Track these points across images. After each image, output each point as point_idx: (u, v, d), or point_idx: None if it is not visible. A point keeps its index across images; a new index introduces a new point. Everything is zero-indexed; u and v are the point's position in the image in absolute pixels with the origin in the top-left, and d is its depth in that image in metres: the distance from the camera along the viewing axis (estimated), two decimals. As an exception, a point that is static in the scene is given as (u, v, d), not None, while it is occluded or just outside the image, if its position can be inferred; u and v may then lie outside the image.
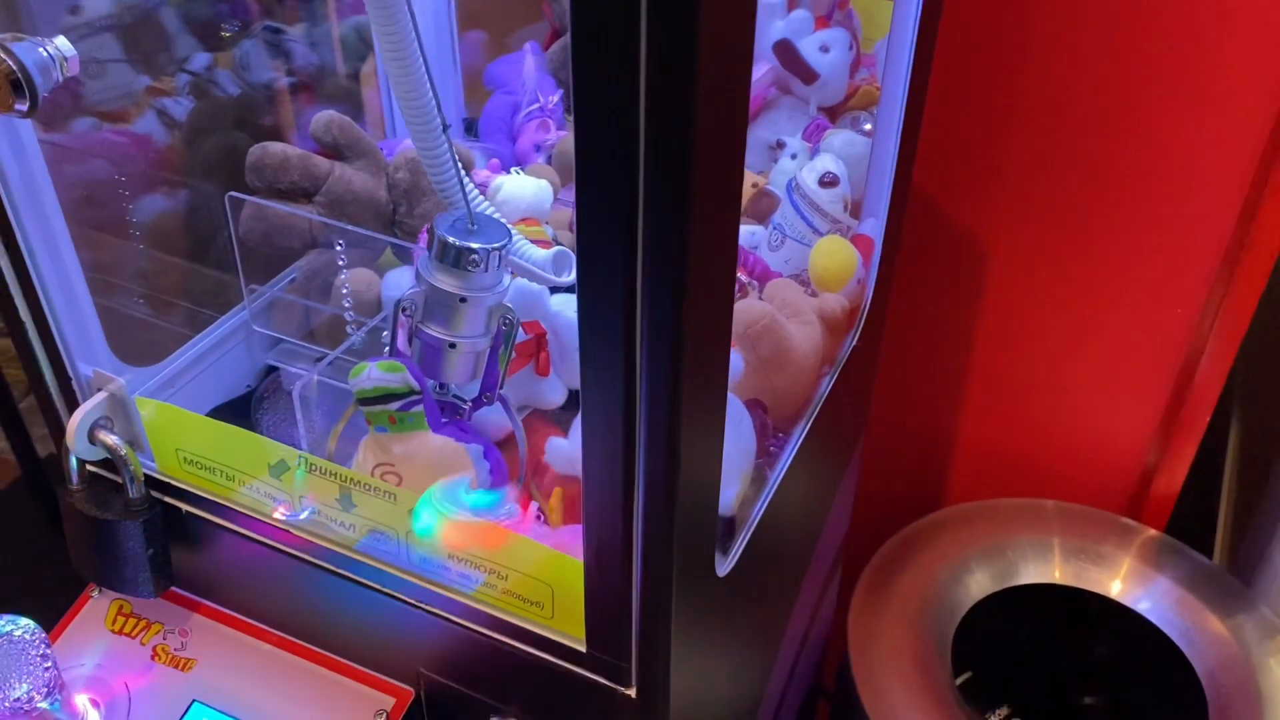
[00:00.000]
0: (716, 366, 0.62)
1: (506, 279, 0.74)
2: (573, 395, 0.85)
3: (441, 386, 0.78)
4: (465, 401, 0.79)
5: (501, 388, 0.77)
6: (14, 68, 0.62)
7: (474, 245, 0.70)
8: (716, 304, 0.58)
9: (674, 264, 0.50)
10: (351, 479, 0.72)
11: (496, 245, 0.71)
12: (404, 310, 0.74)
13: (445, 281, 0.71)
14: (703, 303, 0.55)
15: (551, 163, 1.10)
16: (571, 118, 1.21)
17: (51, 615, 0.85)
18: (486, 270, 0.71)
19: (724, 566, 0.73)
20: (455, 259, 0.70)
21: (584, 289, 0.53)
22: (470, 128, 1.16)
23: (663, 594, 0.63)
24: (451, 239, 0.70)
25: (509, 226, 0.75)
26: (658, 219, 0.49)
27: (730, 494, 0.75)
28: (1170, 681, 1.19)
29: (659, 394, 0.55)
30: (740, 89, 0.53)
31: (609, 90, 0.46)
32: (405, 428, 0.72)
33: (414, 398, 0.72)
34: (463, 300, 0.72)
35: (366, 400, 0.72)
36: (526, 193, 0.97)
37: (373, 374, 0.71)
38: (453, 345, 0.73)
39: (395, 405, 0.72)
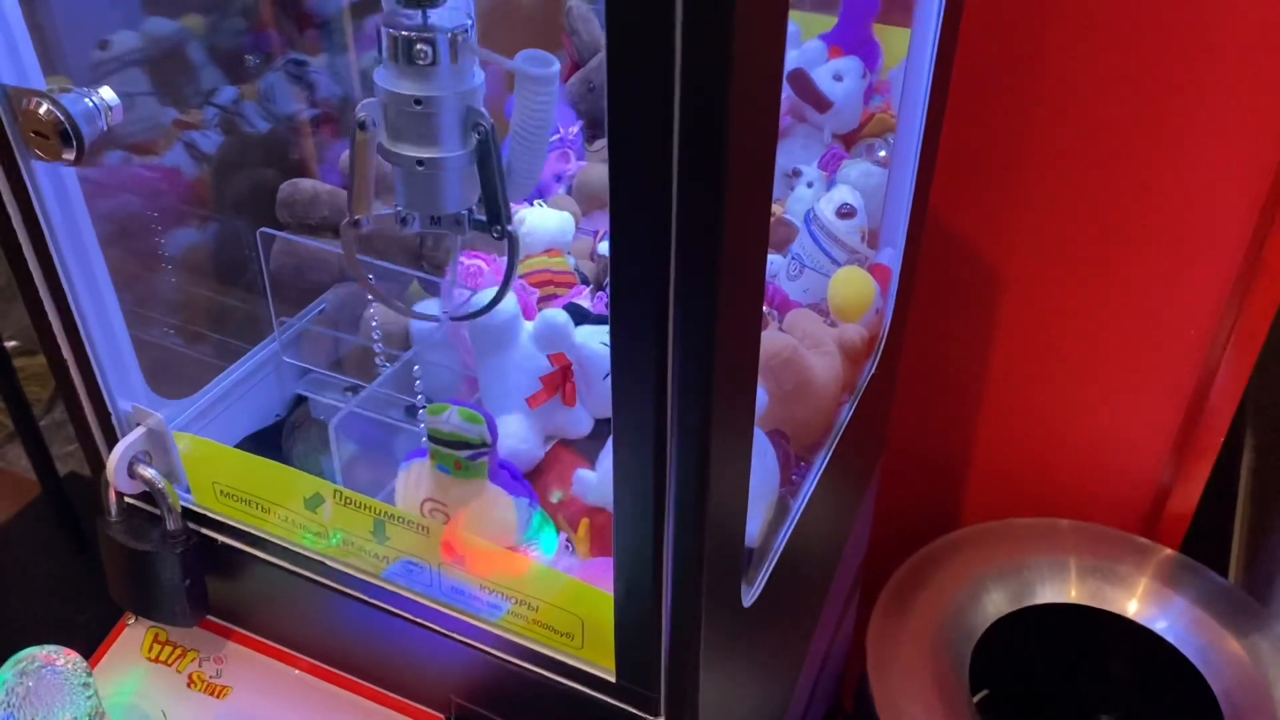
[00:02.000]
0: (745, 399, 0.63)
1: (476, 75, 0.63)
2: (599, 424, 0.87)
3: (434, 221, 0.68)
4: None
5: (509, 223, 0.66)
6: (62, 119, 0.64)
7: (426, 32, 0.60)
8: (745, 336, 0.60)
9: (707, 295, 0.52)
10: (386, 512, 0.74)
11: (455, 29, 0.61)
12: (361, 125, 0.63)
13: (402, 85, 0.61)
14: (733, 335, 0.56)
15: (572, 193, 1.12)
16: (590, 148, 1.23)
17: (73, 630, 0.87)
18: (447, 63, 0.61)
19: (749, 597, 0.74)
20: (407, 52, 0.60)
21: (617, 323, 0.54)
22: (492, 159, 1.17)
23: (692, 626, 0.64)
24: (400, 32, 0.60)
25: (469, 16, 0.63)
26: (691, 252, 0.50)
27: (755, 525, 0.77)
28: (1187, 701, 1.20)
29: (690, 427, 0.56)
30: (769, 120, 0.54)
31: (643, 123, 0.47)
32: (468, 474, 0.74)
33: (484, 450, 0.73)
34: (417, 103, 0.61)
35: (439, 441, 0.73)
36: (550, 225, 0.99)
37: (452, 419, 0.72)
38: (420, 163, 0.63)
39: (465, 454, 0.73)
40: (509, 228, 0.66)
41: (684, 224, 0.50)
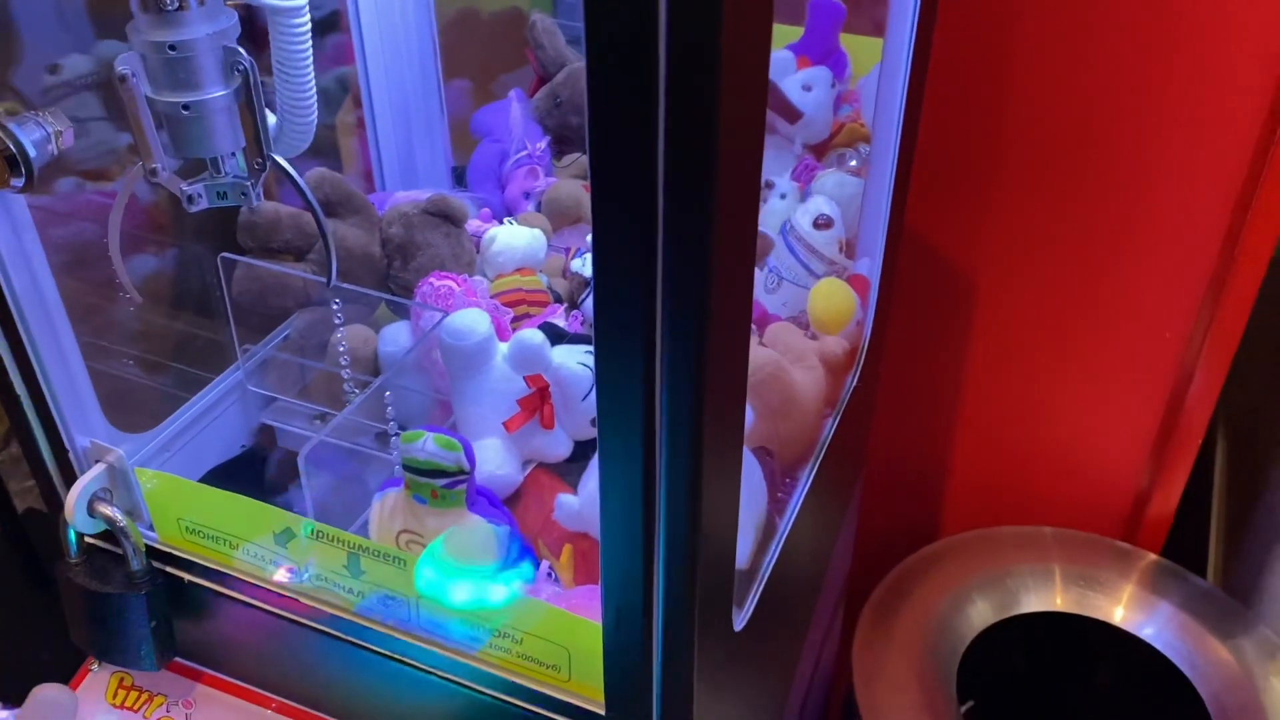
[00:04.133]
0: (734, 417, 0.61)
1: (229, 19, 0.64)
2: (578, 447, 0.85)
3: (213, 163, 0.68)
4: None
5: (271, 151, 0.68)
6: (9, 144, 0.61)
7: None
8: (735, 353, 0.58)
9: (697, 312, 0.50)
10: (360, 545, 0.71)
11: None
12: (122, 80, 0.64)
13: (156, 34, 0.62)
14: (723, 352, 0.54)
15: (541, 209, 1.09)
16: (559, 164, 1.20)
17: (34, 670, 0.83)
18: (195, 6, 0.62)
19: (740, 620, 0.72)
20: (155, 1, 0.61)
21: (601, 342, 0.52)
22: (459, 177, 1.15)
23: (684, 654, 0.62)
24: None
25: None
26: (680, 269, 0.48)
27: (744, 546, 0.75)
28: (1175, 707, 1.19)
29: (680, 448, 0.54)
30: (757, 131, 0.52)
31: (628, 138, 0.46)
32: (445, 504, 0.71)
33: (461, 478, 0.71)
34: (173, 49, 0.62)
35: (415, 470, 0.71)
36: (521, 243, 0.96)
37: (428, 446, 0.70)
38: (185, 108, 0.64)
39: (442, 482, 0.71)
40: (268, 153, 0.68)
41: (671, 239, 0.48)
